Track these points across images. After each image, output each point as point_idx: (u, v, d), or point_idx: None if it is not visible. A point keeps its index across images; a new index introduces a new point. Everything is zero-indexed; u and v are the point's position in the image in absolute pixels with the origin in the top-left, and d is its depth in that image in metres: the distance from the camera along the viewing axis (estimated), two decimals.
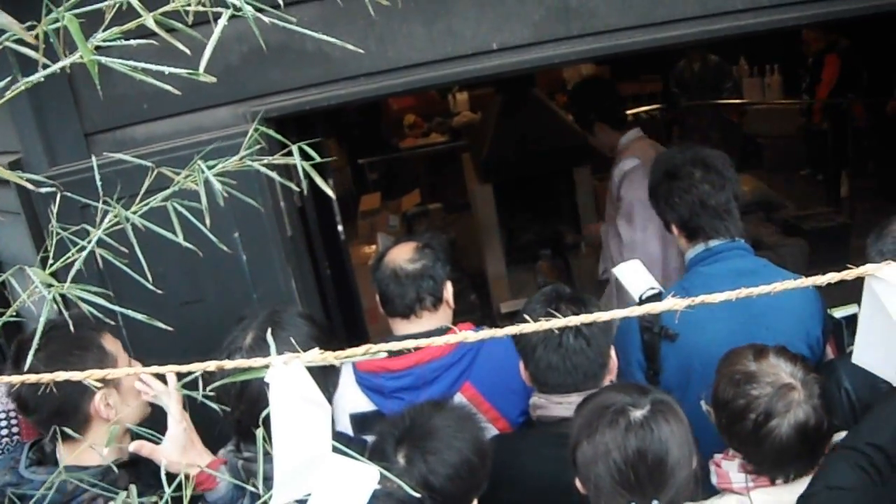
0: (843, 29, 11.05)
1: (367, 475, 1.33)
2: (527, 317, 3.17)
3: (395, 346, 1.27)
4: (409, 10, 3.68)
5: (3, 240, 4.97)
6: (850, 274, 1.36)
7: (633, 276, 4.09)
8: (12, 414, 4.71)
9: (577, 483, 2.64)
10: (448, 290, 3.65)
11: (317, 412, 1.24)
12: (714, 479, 3.01)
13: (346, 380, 3.56)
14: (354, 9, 3.68)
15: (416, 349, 3.43)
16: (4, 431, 4.65)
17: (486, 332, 1.33)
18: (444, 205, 10.87)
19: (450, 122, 15.38)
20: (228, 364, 1.20)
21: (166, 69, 1.34)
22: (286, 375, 1.20)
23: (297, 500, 1.28)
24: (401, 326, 3.65)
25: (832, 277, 1.34)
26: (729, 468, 2.95)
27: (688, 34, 3.89)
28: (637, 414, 2.49)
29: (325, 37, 1.58)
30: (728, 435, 2.91)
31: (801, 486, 2.81)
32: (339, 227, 5.59)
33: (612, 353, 3.25)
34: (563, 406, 3.15)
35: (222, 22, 1.34)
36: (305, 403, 1.22)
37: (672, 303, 1.21)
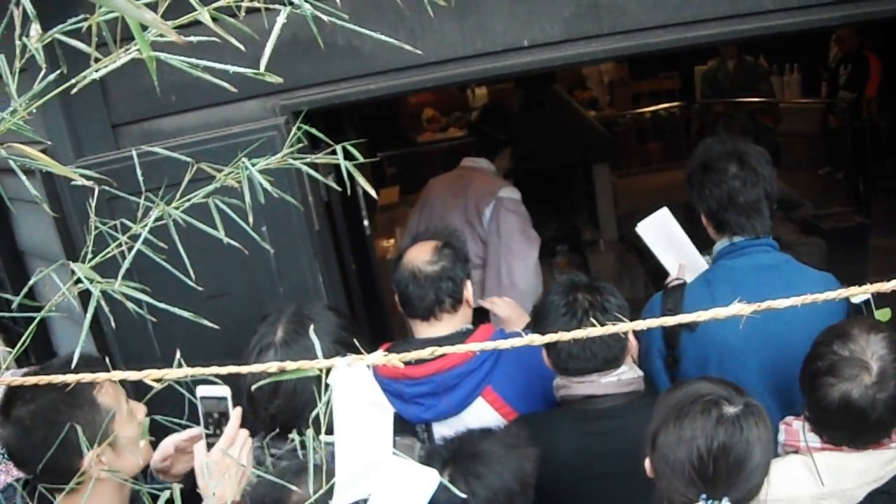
0: (862, 29, 11.05)
1: (426, 477, 1.32)
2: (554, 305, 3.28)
3: (455, 349, 1.25)
4: (439, 6, 3.68)
5: (25, 230, 4.97)
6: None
7: (659, 236, 4.10)
8: None
9: (647, 464, 2.65)
10: (468, 290, 3.63)
11: (379, 414, 1.24)
12: (781, 437, 3.06)
13: None
14: (384, 3, 3.67)
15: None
16: None
17: (515, 341, 1.31)
18: None
19: (468, 116, 15.36)
20: (290, 365, 1.18)
21: (230, 68, 1.33)
22: (350, 377, 1.19)
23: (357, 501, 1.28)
24: (421, 328, 3.62)
25: (880, 287, 1.32)
26: (800, 427, 2.99)
27: (717, 34, 3.88)
28: (730, 410, 2.49)
29: (375, 34, 1.57)
30: (802, 371, 2.99)
31: (869, 457, 2.88)
32: (365, 222, 5.58)
33: (631, 334, 3.27)
34: (584, 385, 3.22)
35: (281, 19, 1.34)
36: (368, 405, 1.21)
37: (738, 308, 1.20)
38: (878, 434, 2.85)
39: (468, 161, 6.40)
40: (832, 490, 2.88)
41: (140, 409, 2.89)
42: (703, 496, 2.44)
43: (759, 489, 2.52)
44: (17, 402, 2.64)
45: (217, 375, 1.28)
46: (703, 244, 4.03)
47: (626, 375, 3.23)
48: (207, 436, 2.77)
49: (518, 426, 3.21)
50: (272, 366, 1.20)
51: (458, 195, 6.22)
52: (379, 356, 1.20)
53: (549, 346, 3.23)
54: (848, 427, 2.84)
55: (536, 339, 1.24)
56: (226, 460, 2.71)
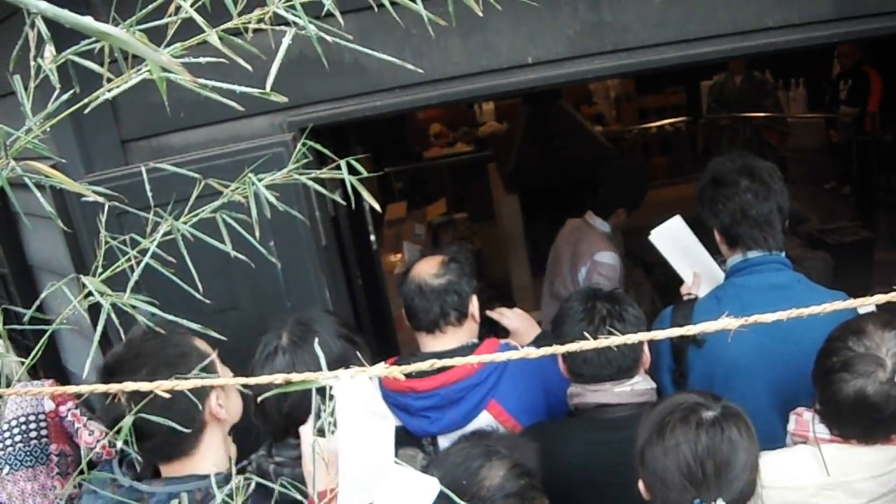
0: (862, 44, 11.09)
1: (428, 485, 1.36)
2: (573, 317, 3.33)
3: (455, 361, 1.29)
4: (444, 24, 3.70)
5: (34, 245, 5.01)
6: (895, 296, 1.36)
7: (673, 244, 4.13)
8: (41, 417, 4.76)
9: (641, 486, 2.65)
10: (474, 305, 3.66)
11: (381, 424, 1.27)
12: (791, 427, 3.10)
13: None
14: (391, 21, 3.70)
15: (442, 369, 3.46)
16: (34, 434, 4.71)
17: (524, 352, 1.34)
18: (469, 214, 10.88)
19: (475, 131, 15.40)
20: (295, 376, 1.22)
21: (237, 87, 1.37)
22: (352, 388, 1.22)
23: None
24: (426, 341, 3.66)
25: (880, 299, 1.34)
26: (810, 418, 3.02)
27: (719, 51, 3.89)
28: (709, 414, 2.52)
29: (379, 54, 1.61)
30: (815, 366, 3.01)
31: (877, 451, 2.91)
32: (372, 237, 5.60)
33: (646, 347, 3.30)
34: (598, 393, 3.26)
35: (286, 40, 1.37)
36: (371, 415, 1.24)
37: (725, 322, 1.23)
38: (890, 430, 2.87)
39: (588, 216, 6.52)
40: (838, 481, 2.91)
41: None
42: (697, 501, 2.46)
43: (752, 490, 2.54)
44: (123, 374, 2.61)
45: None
46: (714, 253, 4.06)
47: (640, 386, 3.27)
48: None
49: (529, 433, 3.25)
50: (278, 377, 1.23)
51: (569, 246, 6.54)
52: (381, 368, 1.23)
53: (565, 353, 3.27)
54: (860, 422, 2.87)
55: (533, 352, 1.27)
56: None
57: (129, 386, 1.26)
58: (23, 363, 1.88)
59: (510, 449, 2.86)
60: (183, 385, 1.20)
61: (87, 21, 1.03)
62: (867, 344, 2.84)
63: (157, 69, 1.20)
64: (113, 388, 1.28)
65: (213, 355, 2.86)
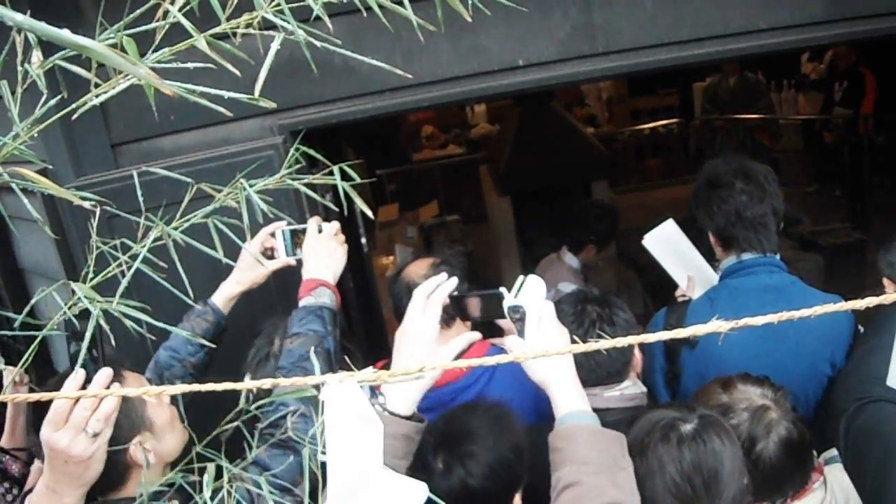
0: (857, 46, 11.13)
1: (416, 490, 1.35)
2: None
3: (447, 365, 1.28)
4: (435, 26, 3.69)
5: (25, 248, 4.99)
6: (887, 298, 1.36)
7: (666, 248, 4.13)
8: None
9: None
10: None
11: (369, 429, 1.26)
12: None
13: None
14: (381, 23, 3.69)
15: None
16: None
17: (511, 356, 1.33)
18: (461, 216, 10.88)
19: (468, 133, 15.41)
20: (283, 381, 1.21)
21: (225, 93, 1.36)
22: (341, 394, 1.22)
23: None
24: None
25: (870, 301, 1.34)
26: None
27: (711, 53, 3.90)
28: (687, 428, 2.51)
29: (368, 59, 1.60)
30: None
31: None
32: (363, 240, 5.59)
33: (637, 350, 3.29)
34: (587, 398, 3.21)
35: (275, 45, 1.37)
36: (359, 421, 1.23)
37: (716, 325, 1.22)
38: (806, 464, 2.89)
39: (563, 252, 6.74)
40: None
41: (165, 394, 2.91)
42: None
43: (742, 495, 2.53)
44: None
45: (213, 392, 1.30)
46: (707, 257, 4.06)
47: (630, 391, 3.24)
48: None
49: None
50: (266, 382, 1.22)
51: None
52: (369, 373, 1.22)
53: None
54: (795, 468, 2.88)
55: (521, 356, 1.26)
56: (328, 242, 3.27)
57: (119, 392, 1.25)
58: (11, 370, 1.86)
59: (496, 419, 2.85)
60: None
61: (65, 34, 1.03)
62: (742, 406, 2.88)
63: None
64: (102, 393, 1.28)
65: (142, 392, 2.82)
